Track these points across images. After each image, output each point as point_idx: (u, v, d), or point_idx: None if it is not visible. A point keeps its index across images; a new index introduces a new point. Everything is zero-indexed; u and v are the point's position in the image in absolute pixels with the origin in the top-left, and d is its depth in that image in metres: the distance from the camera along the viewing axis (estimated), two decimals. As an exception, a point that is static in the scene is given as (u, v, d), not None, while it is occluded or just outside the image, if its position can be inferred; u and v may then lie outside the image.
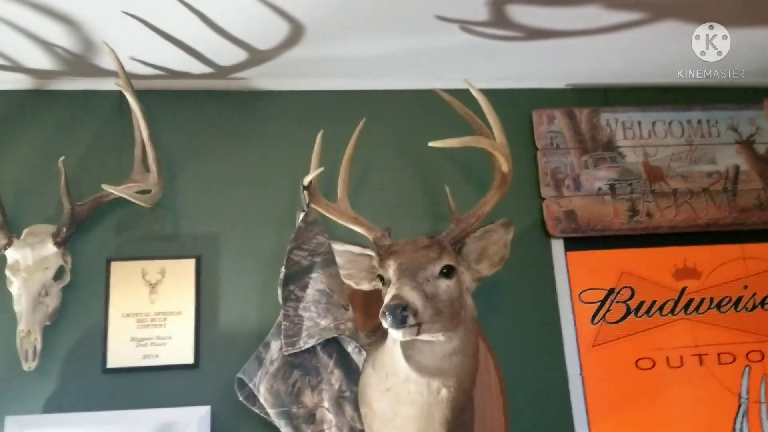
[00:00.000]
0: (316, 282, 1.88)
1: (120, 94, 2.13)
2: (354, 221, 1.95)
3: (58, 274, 2.07)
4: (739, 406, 2.25)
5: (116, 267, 2.17)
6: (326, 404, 1.85)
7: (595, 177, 2.43)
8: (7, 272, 2.02)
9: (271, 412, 1.84)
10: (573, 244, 2.38)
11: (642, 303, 2.34)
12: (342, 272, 1.92)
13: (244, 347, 2.05)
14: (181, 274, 2.18)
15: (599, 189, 2.41)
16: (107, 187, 1.98)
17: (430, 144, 1.67)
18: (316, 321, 1.85)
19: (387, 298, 1.55)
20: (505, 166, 1.80)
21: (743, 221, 2.40)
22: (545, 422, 2.22)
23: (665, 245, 2.40)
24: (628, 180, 2.43)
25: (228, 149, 2.36)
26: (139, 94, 2.14)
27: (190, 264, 2.20)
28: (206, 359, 2.14)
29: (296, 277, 1.90)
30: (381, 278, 1.73)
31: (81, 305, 2.15)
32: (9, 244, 2.02)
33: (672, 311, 2.33)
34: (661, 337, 2.31)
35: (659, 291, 2.35)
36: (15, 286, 2.01)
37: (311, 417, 1.85)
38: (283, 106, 2.41)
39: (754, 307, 2.34)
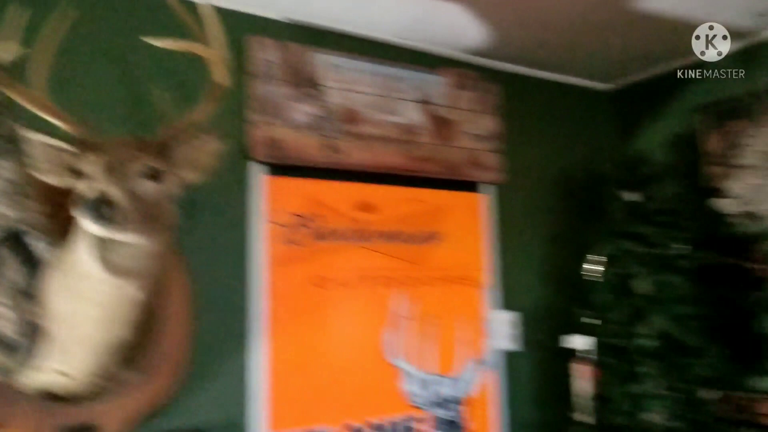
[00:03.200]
0: (6, 170, 1.76)
1: None
2: (50, 111, 1.83)
3: None
4: (393, 320, 2.66)
5: None
6: (3, 299, 1.76)
7: (300, 110, 2.60)
8: None
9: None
10: (272, 169, 2.54)
11: (326, 229, 2.60)
12: (32, 163, 1.81)
13: None
14: None
15: (302, 122, 2.59)
16: None
17: (149, 40, 1.65)
18: (2, 212, 1.73)
19: (86, 193, 1.53)
20: (221, 77, 1.84)
21: (417, 169, 2.79)
22: (228, 330, 2.39)
23: (351, 181, 2.69)
24: (328, 118, 2.66)
25: None
26: None
27: None
28: None
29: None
30: (77, 173, 1.68)
31: None
32: None
33: (350, 238, 2.64)
34: (338, 261, 2.61)
35: (341, 220, 2.64)
36: None
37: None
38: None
39: (418, 241, 2.76)
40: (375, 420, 2.57)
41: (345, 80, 2.73)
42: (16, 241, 1.81)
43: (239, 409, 2.39)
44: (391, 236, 2.72)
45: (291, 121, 2.57)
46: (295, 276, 2.52)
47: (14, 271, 1.79)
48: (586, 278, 2.94)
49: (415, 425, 2.65)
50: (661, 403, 2.63)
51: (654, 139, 3.33)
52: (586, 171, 3.32)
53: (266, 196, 2.51)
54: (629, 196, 2.91)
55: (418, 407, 2.68)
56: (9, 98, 1.83)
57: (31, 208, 1.79)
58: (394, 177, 2.76)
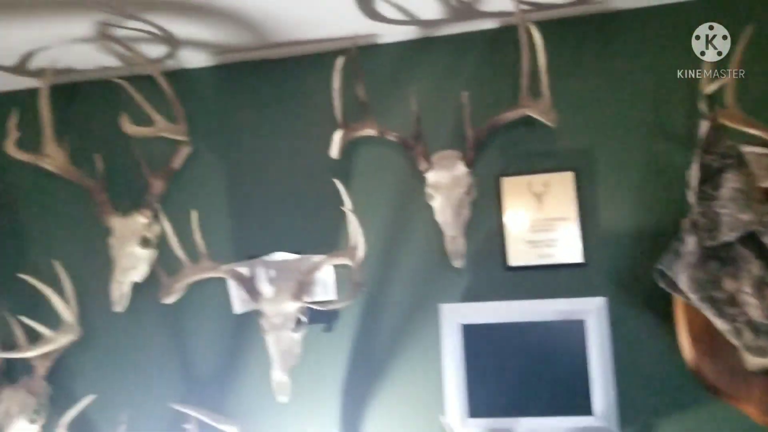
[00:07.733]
0: (731, 181, 2.03)
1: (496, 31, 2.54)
2: (750, 125, 2.07)
3: (469, 190, 2.40)
4: None
5: (506, 182, 2.45)
6: (747, 289, 2.03)
7: None
8: (430, 190, 2.39)
9: (693, 297, 2.05)
10: None
11: None
12: (750, 171, 2.05)
13: (627, 246, 2.34)
14: (561, 186, 2.40)
15: None
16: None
17: None
18: (736, 216, 2.01)
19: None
20: None
21: None
22: None
23: None
24: None
25: (592, 68, 2.49)
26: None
27: (568, 176, 2.41)
28: (593, 258, 2.37)
29: (708, 178, 2.06)
30: None
31: (481, 214, 2.45)
32: (430, 168, 2.40)
33: None
34: None
35: None
36: (437, 201, 2.37)
37: (732, 300, 2.04)
38: (641, 22, 2.47)
39: None
40: None
41: None
42: (751, 239, 2.06)
43: None
44: None
45: None
46: None
47: (754, 266, 2.04)
48: None
49: None
50: None
51: None
52: None
53: None
54: None
55: None
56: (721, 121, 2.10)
57: (759, 211, 2.02)
58: None
